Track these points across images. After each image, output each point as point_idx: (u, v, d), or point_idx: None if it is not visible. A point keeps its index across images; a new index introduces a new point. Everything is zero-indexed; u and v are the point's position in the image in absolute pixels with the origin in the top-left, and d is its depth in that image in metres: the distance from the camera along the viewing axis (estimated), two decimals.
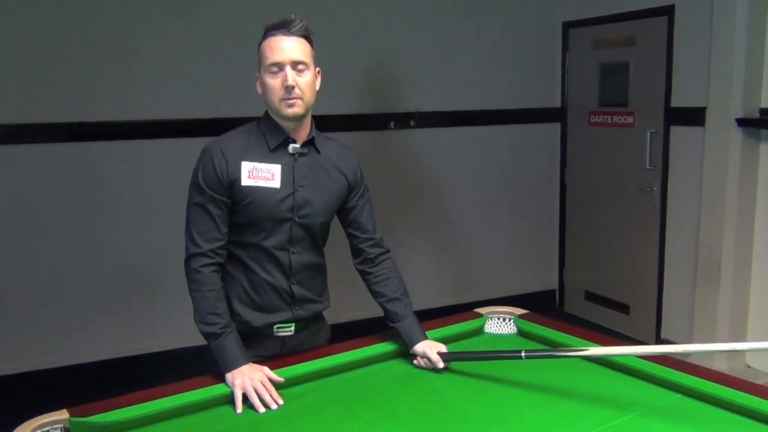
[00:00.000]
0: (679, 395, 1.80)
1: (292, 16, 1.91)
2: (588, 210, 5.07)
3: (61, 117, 3.84)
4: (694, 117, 4.11)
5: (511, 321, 2.34)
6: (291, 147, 1.98)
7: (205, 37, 4.08)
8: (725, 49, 3.84)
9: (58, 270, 3.94)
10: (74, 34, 3.81)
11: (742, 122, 3.83)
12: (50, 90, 3.80)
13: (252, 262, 2.01)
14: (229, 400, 1.79)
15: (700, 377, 1.82)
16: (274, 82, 1.89)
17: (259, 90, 1.97)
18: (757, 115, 3.85)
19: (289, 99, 1.89)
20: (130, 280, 4.09)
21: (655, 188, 4.46)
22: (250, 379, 1.80)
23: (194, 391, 1.80)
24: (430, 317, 2.32)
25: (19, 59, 3.73)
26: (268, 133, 1.98)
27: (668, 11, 4.26)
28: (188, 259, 1.94)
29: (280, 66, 1.88)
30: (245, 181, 1.92)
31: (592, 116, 4.92)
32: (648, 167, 4.47)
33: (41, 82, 3.78)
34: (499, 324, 2.34)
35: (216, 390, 1.82)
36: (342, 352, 2.06)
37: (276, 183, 1.95)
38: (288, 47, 1.88)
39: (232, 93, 4.05)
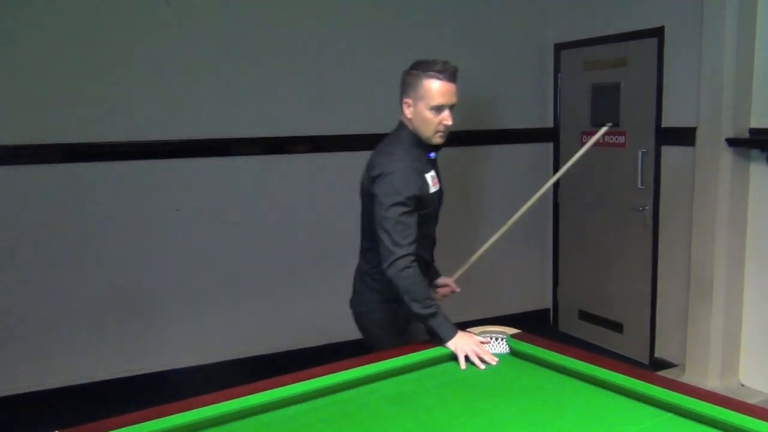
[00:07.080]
0: (670, 414, 1.80)
1: (453, 63, 2.38)
2: (581, 229, 5.09)
3: (55, 138, 3.85)
4: (685, 137, 4.14)
5: (503, 340, 2.34)
6: (433, 154, 2.51)
7: (199, 58, 4.11)
8: (715, 69, 3.88)
9: (51, 291, 3.93)
10: (68, 56, 3.83)
11: (732, 142, 3.86)
12: (44, 111, 3.81)
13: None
14: (452, 357, 2.22)
15: (692, 396, 1.81)
16: (435, 119, 2.39)
17: (409, 116, 2.45)
18: (747, 135, 3.88)
19: (443, 133, 2.43)
20: (124, 301, 4.08)
21: (647, 207, 4.49)
22: (469, 344, 2.22)
23: (186, 413, 1.79)
24: None
25: (14, 81, 3.75)
26: (423, 147, 2.47)
27: (658, 33, 4.31)
28: (396, 261, 2.29)
29: (442, 108, 2.38)
30: (432, 189, 2.45)
31: (585, 136, 4.94)
32: (640, 186, 4.50)
33: (35, 104, 3.79)
34: (492, 343, 2.34)
35: (207, 411, 1.81)
36: (333, 372, 2.06)
37: (438, 185, 2.51)
38: (451, 93, 2.39)
39: (226, 114, 4.07)
